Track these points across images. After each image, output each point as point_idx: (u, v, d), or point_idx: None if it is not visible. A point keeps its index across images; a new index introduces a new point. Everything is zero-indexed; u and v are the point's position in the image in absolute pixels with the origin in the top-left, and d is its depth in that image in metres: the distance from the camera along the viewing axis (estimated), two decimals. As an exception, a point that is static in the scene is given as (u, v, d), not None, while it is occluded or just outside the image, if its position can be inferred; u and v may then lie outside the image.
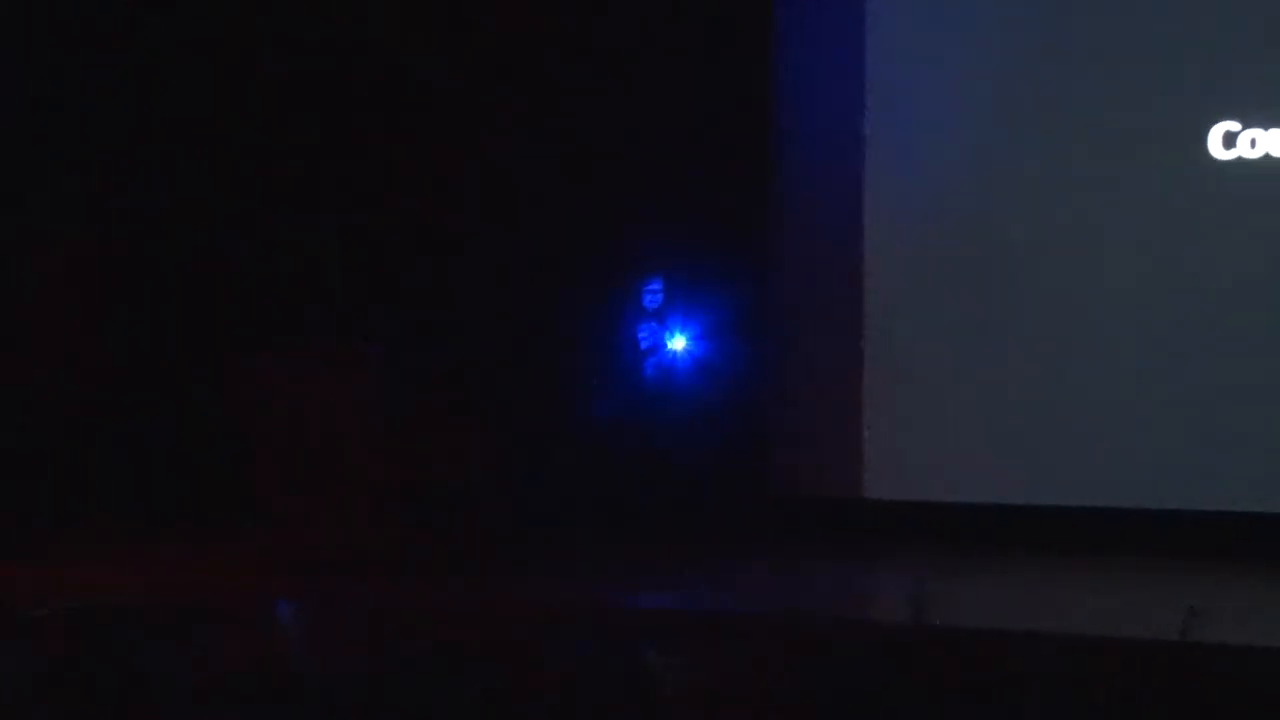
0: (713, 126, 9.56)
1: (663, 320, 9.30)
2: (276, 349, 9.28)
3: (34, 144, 9.96)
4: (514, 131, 9.97)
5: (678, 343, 9.21)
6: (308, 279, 10.24)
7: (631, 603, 7.38)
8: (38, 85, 10.00)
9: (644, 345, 9.30)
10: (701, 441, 9.24)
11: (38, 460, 9.72)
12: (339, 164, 10.33)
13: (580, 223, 9.80)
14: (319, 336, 9.85)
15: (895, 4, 9.47)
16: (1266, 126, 8.62)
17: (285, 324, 10.10)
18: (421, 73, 10.22)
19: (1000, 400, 9.10)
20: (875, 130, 9.41)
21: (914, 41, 9.38)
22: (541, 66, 9.96)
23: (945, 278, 9.22)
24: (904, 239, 9.35)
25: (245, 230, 10.45)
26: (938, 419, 9.19)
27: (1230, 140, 8.69)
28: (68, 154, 10.03)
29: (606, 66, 9.80)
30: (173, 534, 9.49)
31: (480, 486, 9.55)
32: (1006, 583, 7.87)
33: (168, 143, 10.38)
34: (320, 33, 10.37)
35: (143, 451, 10.00)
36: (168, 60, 10.43)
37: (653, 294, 9.33)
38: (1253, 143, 8.66)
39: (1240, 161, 8.67)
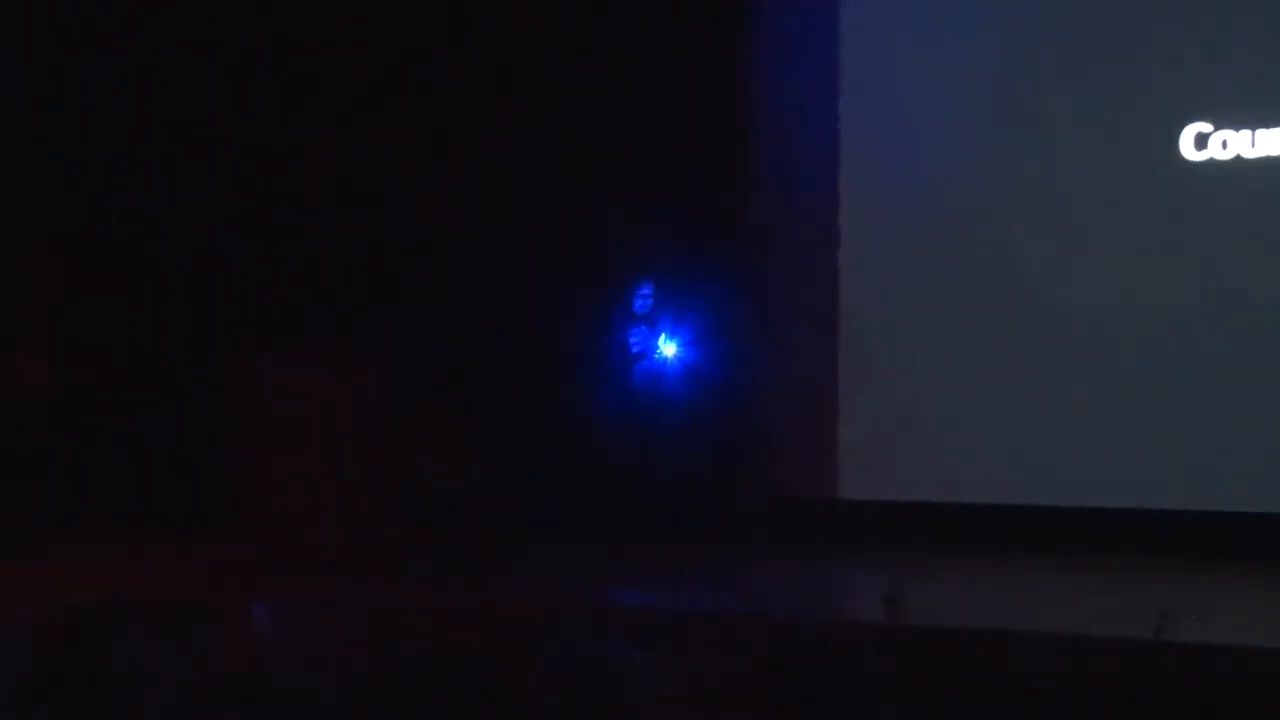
0: (690, 128, 9.60)
1: (653, 325, 9.31)
2: (274, 350, 9.31)
3: (29, 142, 9.96)
4: (504, 136, 9.97)
5: (668, 348, 9.23)
6: (307, 279, 10.25)
7: (612, 604, 7.38)
8: (35, 84, 10.00)
9: (635, 350, 9.32)
10: (684, 444, 9.26)
11: (31, 460, 9.71)
12: (339, 164, 10.34)
13: (573, 226, 9.82)
14: (317, 337, 9.88)
15: (871, 23, 9.55)
16: (1237, 128, 8.67)
17: (283, 325, 10.12)
18: (421, 73, 10.23)
19: (975, 401, 9.16)
20: (851, 137, 9.50)
21: (890, 44, 9.48)
22: (532, 71, 9.97)
23: (920, 280, 9.31)
24: (879, 242, 9.43)
25: (243, 231, 10.45)
26: (913, 420, 9.25)
27: (1202, 141, 8.75)
28: (63, 153, 10.02)
29: (604, 68, 9.81)
30: (171, 534, 9.48)
31: (472, 488, 9.58)
32: (983, 582, 7.90)
33: (166, 142, 10.38)
34: (320, 32, 10.37)
35: (138, 452, 9.99)
36: (167, 59, 10.43)
37: (643, 298, 9.34)
38: (1224, 144, 8.71)
39: (1212, 163, 8.73)
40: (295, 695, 5.29)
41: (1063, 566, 8.26)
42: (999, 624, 6.17)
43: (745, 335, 9.52)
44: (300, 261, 10.27)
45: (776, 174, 9.77)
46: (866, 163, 9.46)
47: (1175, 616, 5.83)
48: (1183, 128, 8.76)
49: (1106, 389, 8.89)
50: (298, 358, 8.95)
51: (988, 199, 9.22)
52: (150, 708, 5.12)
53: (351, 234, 10.26)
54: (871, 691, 4.98)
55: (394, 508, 9.05)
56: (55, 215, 10.09)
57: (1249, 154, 8.65)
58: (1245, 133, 8.66)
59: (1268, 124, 8.59)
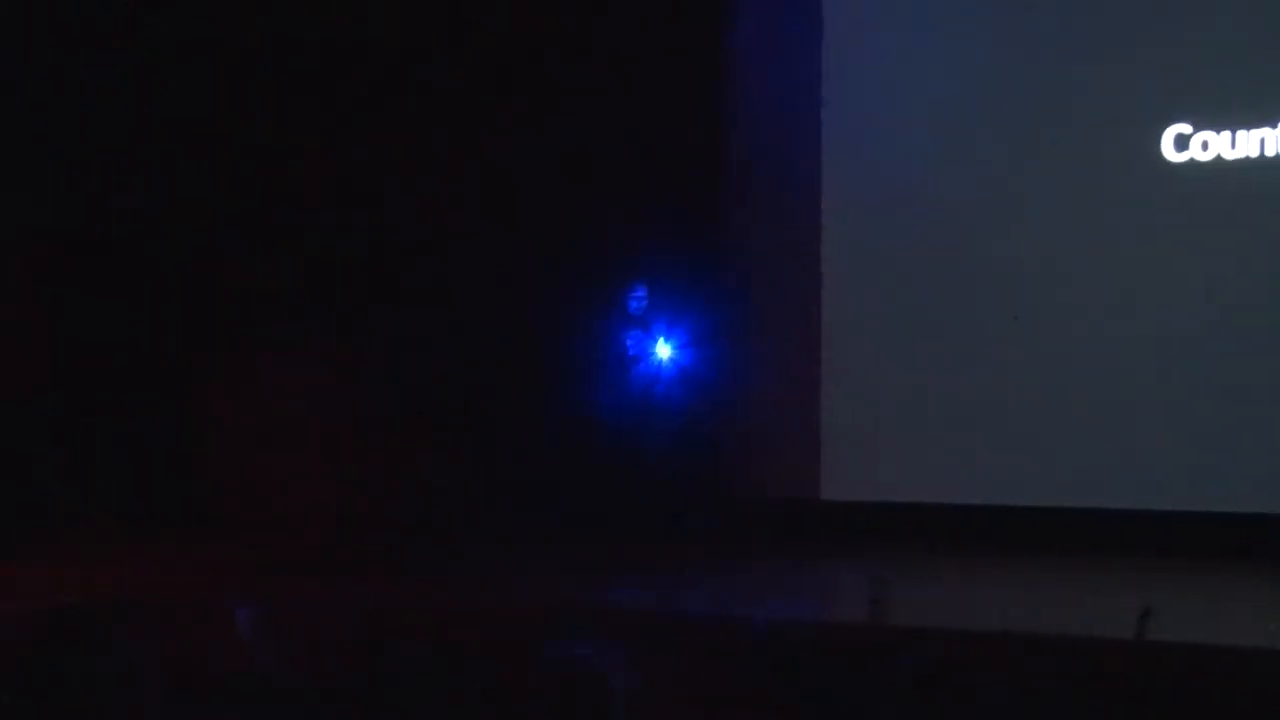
0: (678, 131, 9.65)
1: (647, 328, 9.34)
2: (274, 349, 9.35)
3: (29, 142, 9.97)
4: (499, 137, 10.00)
5: (663, 350, 9.27)
6: (305, 279, 10.27)
7: (591, 604, 7.39)
8: (35, 84, 10.00)
9: (631, 353, 9.35)
10: (677, 445, 9.30)
11: (29, 459, 9.71)
12: (338, 164, 10.36)
13: (569, 227, 9.85)
14: (312, 338, 9.91)
15: (854, 34, 9.61)
16: (1218, 130, 8.73)
17: (282, 324, 10.15)
18: (421, 73, 10.26)
19: (959, 402, 9.21)
20: (834, 140, 9.58)
21: (873, 44, 9.57)
22: (530, 72, 10.00)
23: (902, 280, 9.39)
24: (861, 243, 9.51)
25: (242, 230, 10.49)
26: (897, 421, 9.31)
27: (1183, 143, 8.81)
28: (62, 152, 10.03)
29: (602, 69, 9.84)
30: (170, 534, 9.50)
31: (468, 487, 9.60)
32: (968, 583, 7.90)
33: (165, 141, 10.40)
34: (320, 32, 10.40)
35: (137, 451, 10.00)
36: (166, 59, 10.45)
37: (638, 300, 9.38)
38: (1204, 145, 8.77)
39: (1192, 164, 8.79)
40: (292, 696, 5.32)
41: (1041, 567, 8.30)
42: (984, 625, 6.20)
43: (730, 337, 9.56)
44: (298, 261, 10.30)
45: (761, 175, 9.85)
46: (851, 170, 9.53)
47: (1154, 615, 5.85)
48: (1163, 129, 8.82)
49: (1088, 390, 8.95)
50: (297, 358, 8.98)
51: (971, 201, 9.28)
52: (147, 708, 5.14)
53: (350, 234, 10.29)
54: (859, 693, 5.00)
55: (392, 508, 9.08)
56: (55, 215, 10.11)
57: (1229, 155, 8.72)
58: (1225, 134, 8.72)
59: (1247, 125, 8.66)
